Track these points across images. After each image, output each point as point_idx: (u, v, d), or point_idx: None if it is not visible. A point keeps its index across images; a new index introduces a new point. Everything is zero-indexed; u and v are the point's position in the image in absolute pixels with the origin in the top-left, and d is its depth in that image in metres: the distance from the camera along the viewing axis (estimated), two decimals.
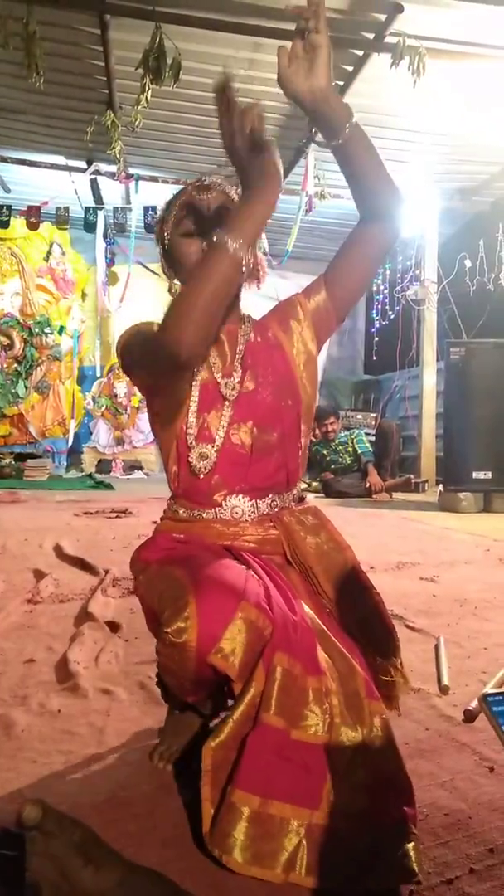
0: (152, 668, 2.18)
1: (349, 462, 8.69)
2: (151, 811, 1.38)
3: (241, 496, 1.53)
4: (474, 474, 7.04)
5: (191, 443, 1.51)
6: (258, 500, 1.54)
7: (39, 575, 3.49)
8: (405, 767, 1.28)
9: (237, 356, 1.57)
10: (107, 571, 3.52)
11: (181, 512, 1.57)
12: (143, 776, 1.52)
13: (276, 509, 1.56)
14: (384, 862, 1.16)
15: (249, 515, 1.53)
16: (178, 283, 1.61)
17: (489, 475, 7.03)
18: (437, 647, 2.35)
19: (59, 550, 4.14)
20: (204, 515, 1.54)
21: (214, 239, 1.30)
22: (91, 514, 6.08)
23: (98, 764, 1.59)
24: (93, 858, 1.01)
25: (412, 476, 9.13)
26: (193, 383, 1.52)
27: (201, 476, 1.51)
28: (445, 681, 2.06)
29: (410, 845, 1.17)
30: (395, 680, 1.44)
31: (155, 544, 1.56)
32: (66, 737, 1.73)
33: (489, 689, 1.03)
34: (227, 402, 1.52)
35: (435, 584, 3.48)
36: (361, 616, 1.48)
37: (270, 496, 1.56)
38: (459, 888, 1.16)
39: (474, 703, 1.86)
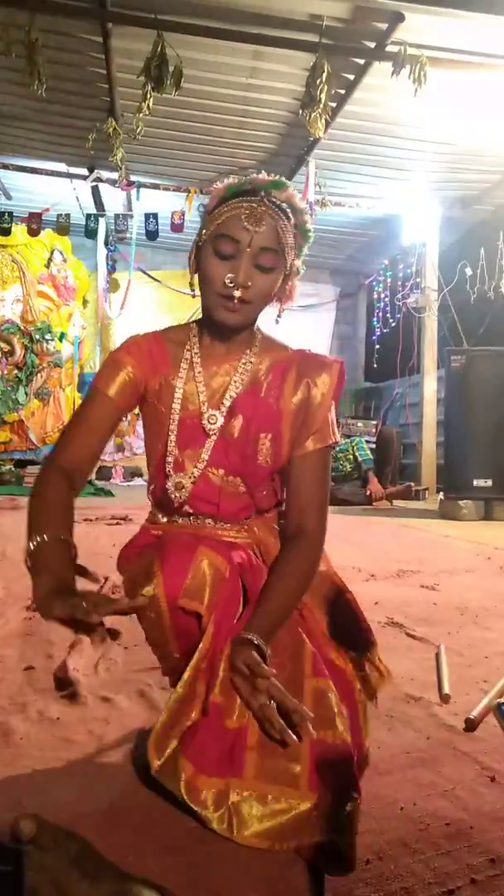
0: (152, 675, 2.18)
1: (349, 469, 8.69)
2: (151, 820, 1.36)
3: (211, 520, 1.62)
4: (475, 482, 7.05)
5: (168, 472, 1.56)
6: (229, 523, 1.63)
7: None
8: (350, 741, 1.34)
9: (229, 393, 1.56)
10: (106, 578, 3.49)
11: (159, 516, 1.66)
12: (142, 785, 1.50)
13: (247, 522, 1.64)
14: (326, 822, 1.23)
15: (221, 527, 1.62)
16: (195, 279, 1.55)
17: (490, 483, 7.03)
18: (437, 656, 2.34)
19: None
20: (180, 521, 1.63)
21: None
22: (91, 520, 6.06)
23: (97, 772, 1.57)
24: (89, 871, 1.00)
25: (412, 484, 9.12)
26: (172, 417, 1.54)
27: (175, 504, 1.58)
28: (446, 689, 2.05)
29: (349, 805, 1.23)
30: (370, 674, 1.52)
31: (135, 543, 1.66)
32: (65, 744, 1.71)
33: (503, 699, 1.05)
34: (207, 440, 1.54)
35: (435, 592, 3.47)
36: (334, 614, 1.55)
37: (241, 521, 1.63)
38: None
39: (475, 712, 1.84)
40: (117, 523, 5.95)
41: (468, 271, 9.54)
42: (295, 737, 1.23)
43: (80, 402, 9.79)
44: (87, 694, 2.02)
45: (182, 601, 1.34)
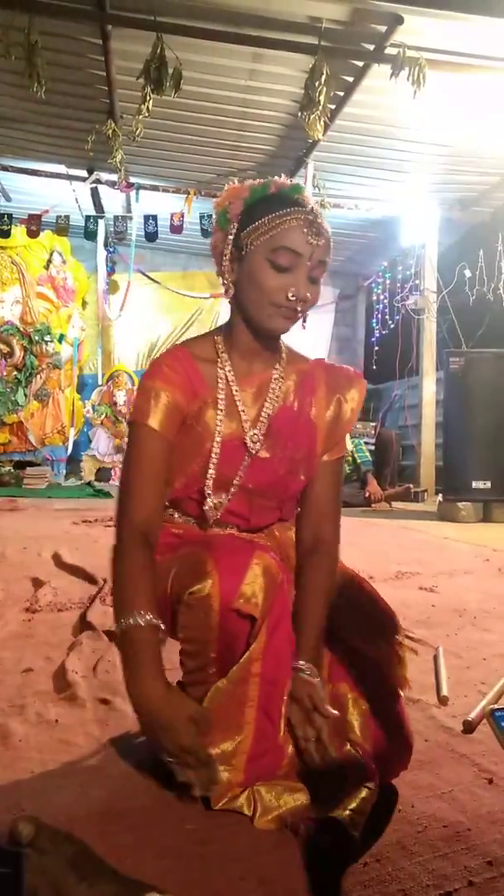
0: None
1: (348, 471, 8.69)
2: (149, 822, 1.37)
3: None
4: (474, 484, 7.05)
5: (208, 492, 1.54)
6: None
7: (38, 583, 3.48)
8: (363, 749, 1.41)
9: (265, 412, 1.55)
10: (105, 580, 3.51)
11: (177, 516, 1.63)
12: (141, 787, 1.51)
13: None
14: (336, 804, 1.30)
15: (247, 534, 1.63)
16: (232, 285, 1.49)
17: (489, 485, 7.03)
18: (435, 658, 2.35)
19: (57, 559, 4.13)
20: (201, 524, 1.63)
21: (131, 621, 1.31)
22: (90, 522, 6.06)
23: (96, 774, 1.58)
24: (87, 874, 1.00)
25: (411, 485, 9.12)
26: (215, 439, 1.51)
27: (210, 521, 1.59)
28: (444, 691, 2.06)
29: (364, 792, 1.32)
30: (402, 657, 1.51)
31: None
32: (64, 747, 1.72)
33: (496, 705, 1.06)
34: (245, 460, 1.54)
35: (434, 594, 3.47)
36: (357, 606, 1.54)
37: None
38: None
39: (473, 714, 1.85)
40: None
41: (467, 273, 9.54)
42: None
43: (78, 404, 9.75)
44: (86, 696, 2.03)
45: (238, 603, 1.32)
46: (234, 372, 1.54)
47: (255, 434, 1.53)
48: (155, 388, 1.47)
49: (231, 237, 1.47)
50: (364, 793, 1.30)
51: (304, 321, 1.52)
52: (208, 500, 1.55)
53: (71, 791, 1.50)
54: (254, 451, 1.53)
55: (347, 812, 1.28)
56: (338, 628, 1.51)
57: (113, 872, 1.04)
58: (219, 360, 1.54)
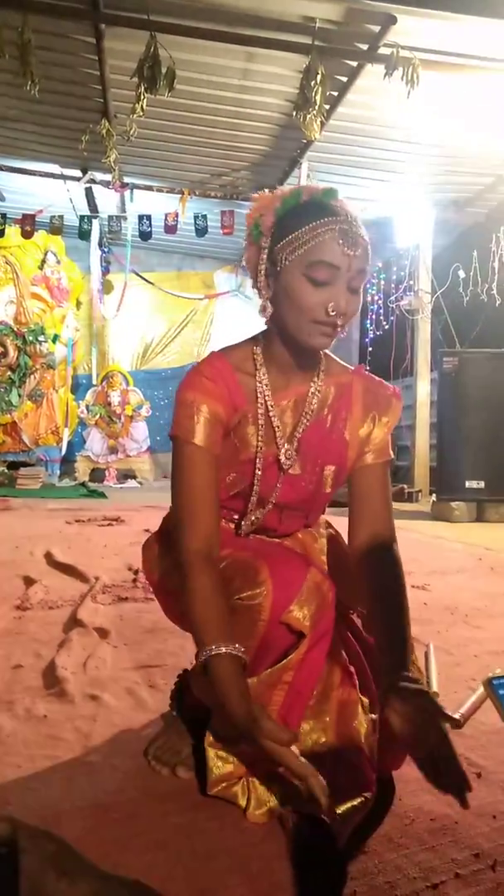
0: (140, 674, 2.19)
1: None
2: (135, 816, 1.36)
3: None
4: (467, 484, 7.06)
5: (251, 510, 1.54)
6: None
7: (29, 582, 3.48)
8: (365, 757, 1.37)
9: (299, 428, 1.51)
10: (97, 578, 3.50)
11: None
12: (128, 781, 1.51)
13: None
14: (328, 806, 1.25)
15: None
16: (271, 306, 1.44)
17: (482, 485, 7.04)
18: (426, 655, 2.34)
19: (49, 557, 4.13)
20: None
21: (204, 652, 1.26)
22: (83, 521, 6.06)
23: (83, 769, 1.57)
24: (67, 871, 0.99)
25: (405, 486, 9.12)
26: (258, 456, 1.49)
27: (241, 532, 1.58)
28: (434, 687, 2.05)
29: (358, 800, 1.29)
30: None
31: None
32: (52, 742, 1.71)
33: (493, 673, 1.04)
34: (280, 475, 1.51)
35: (426, 592, 3.47)
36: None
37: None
38: (445, 893, 1.15)
39: (463, 710, 1.85)
40: (109, 524, 5.95)
41: (461, 274, 9.54)
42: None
43: (72, 404, 9.70)
44: (75, 692, 2.02)
45: (288, 618, 1.32)
46: (272, 385, 1.50)
47: (288, 450, 1.50)
48: (196, 402, 1.43)
49: (265, 252, 1.41)
50: (358, 801, 1.29)
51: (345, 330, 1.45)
52: (247, 517, 1.54)
53: (58, 785, 1.49)
54: (286, 468, 1.51)
55: (335, 814, 1.27)
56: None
57: (94, 869, 1.03)
58: (257, 373, 1.50)
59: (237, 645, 1.26)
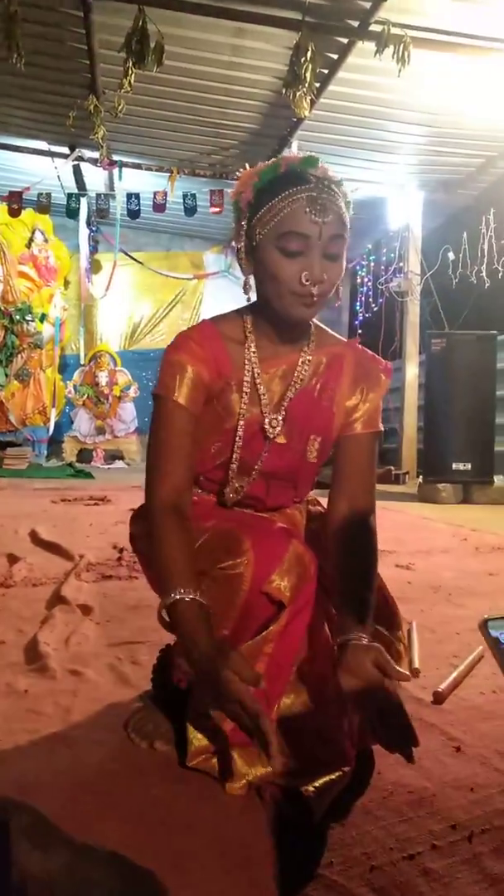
0: (123, 650, 2.18)
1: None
2: (113, 789, 1.36)
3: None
4: (454, 466, 7.10)
5: (231, 477, 1.53)
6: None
7: (13, 559, 3.46)
8: (344, 732, 1.35)
9: (286, 398, 1.50)
10: (81, 556, 3.50)
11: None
12: (107, 755, 1.50)
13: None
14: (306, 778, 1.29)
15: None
16: (253, 280, 1.44)
17: (468, 467, 7.08)
18: (409, 632, 2.35)
19: (34, 536, 4.11)
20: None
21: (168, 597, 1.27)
22: (69, 501, 6.05)
23: (62, 743, 1.57)
24: (41, 843, 0.99)
25: (392, 467, 9.14)
26: (239, 423, 1.48)
27: (228, 503, 1.56)
28: (416, 664, 2.06)
29: (336, 774, 1.30)
30: (399, 650, 1.48)
31: None
32: (32, 716, 1.71)
33: (488, 615, 1.03)
34: (265, 444, 1.50)
35: (410, 571, 3.48)
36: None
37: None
38: (421, 863, 1.15)
39: (444, 686, 1.86)
40: (95, 504, 5.94)
41: (451, 256, 9.53)
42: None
43: (60, 384, 9.67)
44: (57, 667, 2.01)
45: (269, 588, 1.32)
46: (260, 354, 1.50)
47: (274, 419, 1.49)
48: (181, 363, 1.43)
49: (244, 230, 1.42)
50: (335, 775, 1.30)
51: (339, 295, 1.45)
52: (230, 484, 1.53)
53: (37, 757, 1.49)
54: (272, 437, 1.50)
55: (312, 788, 1.28)
56: None
57: (68, 841, 1.02)
58: (246, 341, 1.49)
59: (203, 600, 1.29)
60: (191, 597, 1.27)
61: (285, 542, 1.37)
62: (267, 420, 1.49)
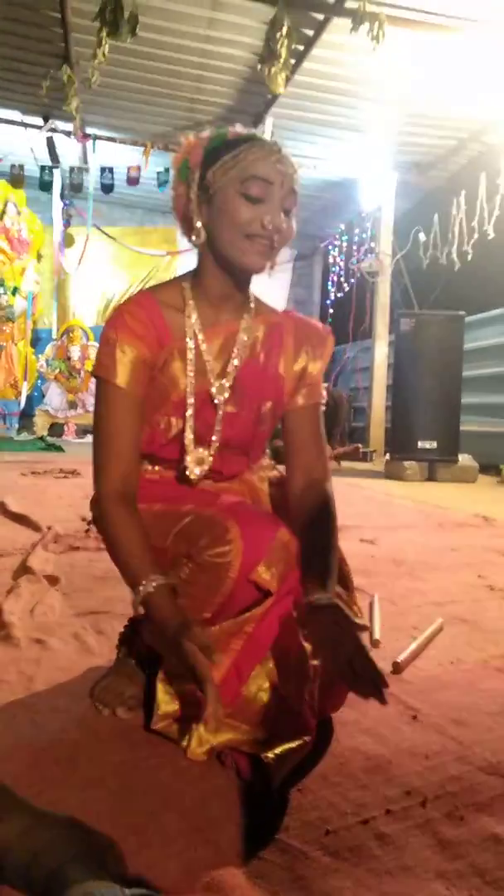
0: (88, 619, 2.20)
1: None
2: (75, 755, 1.37)
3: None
4: (419, 444, 7.19)
5: (188, 448, 1.49)
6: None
7: None
8: (306, 703, 1.34)
9: (231, 364, 1.50)
10: (49, 528, 3.49)
11: (149, 467, 1.57)
12: (69, 723, 1.52)
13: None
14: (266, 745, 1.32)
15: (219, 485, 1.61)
16: (203, 229, 1.43)
17: (434, 445, 7.18)
18: (371, 605, 2.38)
19: (2, 507, 4.10)
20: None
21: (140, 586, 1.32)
22: (39, 473, 6.03)
23: (25, 711, 1.58)
24: None
25: (360, 445, 9.20)
26: (188, 392, 1.47)
27: (191, 478, 1.51)
28: (377, 635, 2.10)
29: (296, 742, 1.30)
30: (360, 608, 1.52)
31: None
32: None
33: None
34: (217, 413, 1.50)
35: (374, 546, 3.52)
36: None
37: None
38: (375, 828, 1.18)
39: (403, 657, 1.89)
40: (65, 477, 5.93)
41: (422, 237, 9.55)
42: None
43: (32, 358, 9.57)
44: (21, 636, 2.02)
45: (257, 576, 1.34)
46: (201, 321, 1.49)
47: (221, 385, 1.49)
48: (119, 342, 1.42)
49: (195, 183, 1.41)
50: (296, 743, 1.31)
51: (272, 267, 1.46)
52: (188, 455, 1.50)
53: None
54: (218, 403, 1.49)
55: (272, 755, 1.30)
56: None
57: (27, 806, 1.03)
58: (186, 308, 1.49)
59: (162, 575, 1.34)
60: (154, 584, 1.31)
61: (272, 529, 1.39)
62: (214, 387, 1.49)
